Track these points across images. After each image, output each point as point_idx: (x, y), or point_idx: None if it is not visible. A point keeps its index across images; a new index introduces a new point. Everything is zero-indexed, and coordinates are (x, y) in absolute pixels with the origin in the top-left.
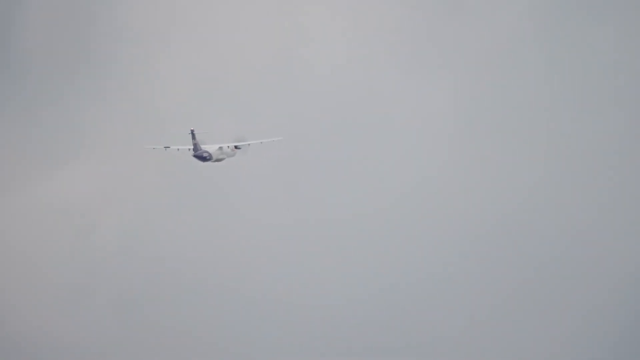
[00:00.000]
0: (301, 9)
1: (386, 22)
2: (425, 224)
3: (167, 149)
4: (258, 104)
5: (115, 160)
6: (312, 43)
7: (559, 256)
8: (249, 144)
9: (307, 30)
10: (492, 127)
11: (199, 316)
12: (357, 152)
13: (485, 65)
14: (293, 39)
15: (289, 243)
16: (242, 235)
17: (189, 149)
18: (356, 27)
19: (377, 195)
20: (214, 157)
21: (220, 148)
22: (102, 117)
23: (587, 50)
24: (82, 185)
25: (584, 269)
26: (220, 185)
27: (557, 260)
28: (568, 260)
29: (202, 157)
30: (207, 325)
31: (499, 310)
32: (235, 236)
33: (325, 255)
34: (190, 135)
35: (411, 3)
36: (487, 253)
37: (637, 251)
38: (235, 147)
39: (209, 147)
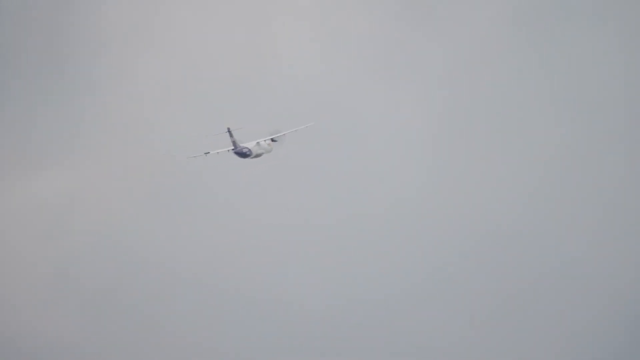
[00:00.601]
0: (271, 16)
1: (357, 29)
2: (420, 226)
3: (207, 154)
4: (230, 109)
5: (108, 162)
6: (283, 49)
7: (559, 259)
8: (284, 134)
9: (278, 37)
10: (464, 131)
11: (198, 317)
12: (337, 156)
13: (456, 72)
14: (264, 46)
15: (286, 244)
16: (241, 236)
17: (229, 150)
18: (327, 33)
19: (356, 199)
20: (254, 153)
21: (258, 143)
22: (78, 118)
23: (560, 55)
24: (84, 184)
25: (583, 272)
26: (219, 186)
27: (556, 263)
28: (567, 264)
29: (243, 154)
30: (205, 327)
31: (500, 312)
32: (234, 236)
33: (324, 256)
34: (228, 134)
35: (384, 10)
36: (487, 255)
37: (637, 252)
38: (272, 140)
39: (247, 144)
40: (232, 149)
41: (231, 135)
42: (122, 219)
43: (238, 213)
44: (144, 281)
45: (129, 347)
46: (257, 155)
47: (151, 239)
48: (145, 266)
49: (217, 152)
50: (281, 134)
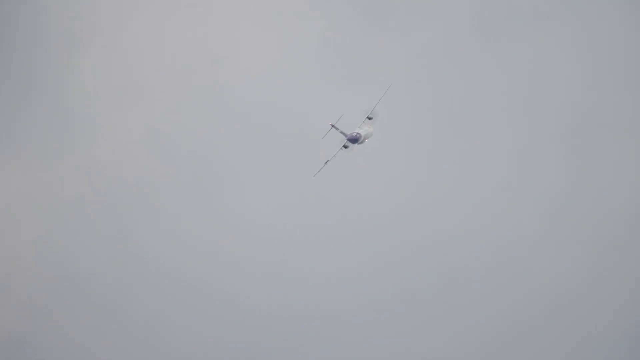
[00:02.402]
0: (225, 21)
1: (312, 36)
2: (418, 228)
3: (327, 162)
4: (183, 113)
5: (98, 164)
6: (236, 54)
7: (562, 261)
8: (374, 109)
9: (230, 42)
10: (418, 138)
11: (195, 319)
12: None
13: (410, 79)
14: (217, 50)
15: (285, 244)
16: (240, 237)
17: (342, 148)
18: (282, 39)
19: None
20: (363, 136)
21: (360, 128)
22: (26, 119)
23: (511, 64)
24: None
25: (586, 273)
26: (216, 186)
27: (560, 265)
28: (570, 266)
29: (355, 139)
30: (204, 328)
31: (501, 315)
32: (232, 237)
33: (324, 257)
34: (334, 129)
35: (337, 17)
36: (488, 256)
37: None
38: (368, 118)
39: (354, 130)
40: (344, 145)
41: (337, 128)
42: (116, 219)
43: (237, 214)
44: (142, 281)
45: (124, 348)
46: (364, 140)
47: (144, 241)
48: (140, 267)
49: (334, 156)
50: (371, 109)
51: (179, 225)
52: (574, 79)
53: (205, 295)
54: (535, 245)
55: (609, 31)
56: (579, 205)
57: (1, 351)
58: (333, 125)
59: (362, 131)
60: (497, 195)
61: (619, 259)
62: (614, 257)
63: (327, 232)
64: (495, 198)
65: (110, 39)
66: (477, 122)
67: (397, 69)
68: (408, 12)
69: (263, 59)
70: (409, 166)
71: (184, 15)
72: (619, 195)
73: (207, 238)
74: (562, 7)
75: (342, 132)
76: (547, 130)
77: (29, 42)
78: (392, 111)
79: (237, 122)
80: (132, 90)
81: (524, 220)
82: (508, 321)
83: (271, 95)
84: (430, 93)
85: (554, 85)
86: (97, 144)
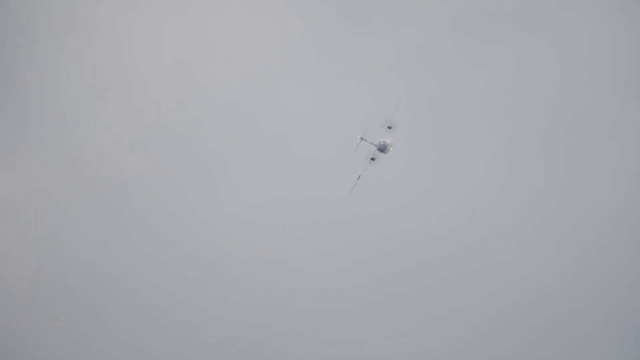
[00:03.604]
0: (203, 23)
1: (289, 37)
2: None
3: (360, 177)
4: (182, 113)
5: (78, 163)
6: (234, 54)
7: (567, 263)
8: (391, 118)
9: (226, 41)
10: (417, 138)
11: (195, 319)
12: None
13: (388, 81)
14: (215, 50)
15: (282, 245)
16: (240, 236)
17: (370, 160)
18: (259, 41)
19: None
20: (388, 145)
21: (383, 137)
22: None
23: (491, 67)
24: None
25: (589, 275)
26: (215, 185)
27: (565, 267)
28: (575, 268)
29: (383, 147)
30: (204, 329)
31: (503, 316)
32: (232, 237)
33: (323, 258)
34: (364, 141)
35: (315, 18)
36: (490, 257)
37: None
38: (389, 127)
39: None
40: (372, 157)
41: (366, 140)
42: (112, 219)
43: (236, 213)
44: (142, 281)
45: (124, 348)
46: (389, 148)
47: (140, 240)
48: (142, 266)
49: (365, 170)
50: (389, 119)
51: (179, 225)
52: (574, 79)
53: (205, 295)
54: (536, 246)
55: (605, 32)
56: (579, 206)
57: (1, 351)
58: (362, 138)
59: (388, 140)
60: (497, 195)
61: (619, 259)
62: (615, 258)
63: (327, 232)
64: (495, 199)
65: (103, 37)
66: (477, 122)
67: (392, 69)
68: (389, 13)
69: (259, 58)
70: (409, 166)
71: (176, 11)
72: (619, 195)
73: (207, 238)
74: (559, 7)
75: (371, 143)
76: (548, 130)
77: (14, 38)
78: (390, 110)
79: (237, 122)
80: (130, 89)
81: (524, 221)
82: (508, 321)
83: (270, 96)
84: (429, 92)
85: (554, 85)
86: (96, 144)
